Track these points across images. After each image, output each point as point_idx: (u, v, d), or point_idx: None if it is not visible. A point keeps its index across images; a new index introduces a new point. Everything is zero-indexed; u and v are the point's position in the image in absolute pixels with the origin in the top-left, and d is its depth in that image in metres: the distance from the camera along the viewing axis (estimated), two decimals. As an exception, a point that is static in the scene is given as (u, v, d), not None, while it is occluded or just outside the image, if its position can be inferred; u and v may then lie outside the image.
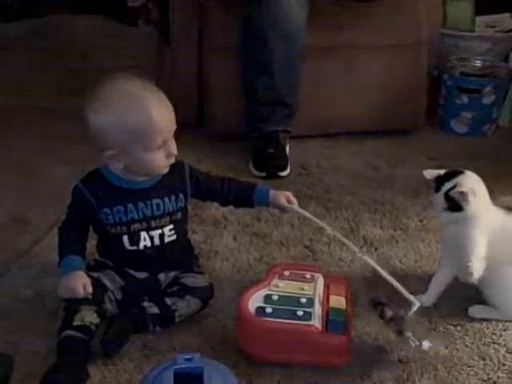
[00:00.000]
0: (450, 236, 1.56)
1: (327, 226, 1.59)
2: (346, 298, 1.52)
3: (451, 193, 1.50)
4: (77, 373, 1.34)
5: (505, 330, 1.54)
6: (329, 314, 1.45)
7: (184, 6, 2.47)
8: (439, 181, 1.55)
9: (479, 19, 2.90)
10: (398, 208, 2.06)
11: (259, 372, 1.39)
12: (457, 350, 1.47)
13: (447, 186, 1.52)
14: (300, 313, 1.40)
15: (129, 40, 3.51)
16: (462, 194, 1.49)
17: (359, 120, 2.51)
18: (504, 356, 1.46)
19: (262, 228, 1.93)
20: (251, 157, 2.30)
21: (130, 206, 1.48)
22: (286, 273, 1.54)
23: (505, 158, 2.42)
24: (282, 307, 1.42)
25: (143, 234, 1.50)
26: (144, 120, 1.40)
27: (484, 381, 1.39)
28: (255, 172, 2.24)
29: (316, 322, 1.40)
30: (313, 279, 1.52)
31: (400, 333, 1.41)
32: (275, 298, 1.45)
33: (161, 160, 1.46)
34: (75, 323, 1.40)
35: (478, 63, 2.71)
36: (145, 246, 1.51)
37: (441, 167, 2.28)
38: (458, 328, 1.54)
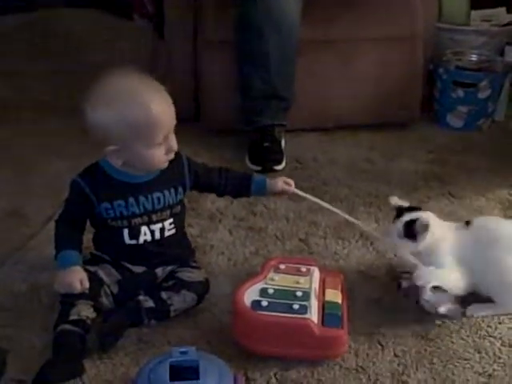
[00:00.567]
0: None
1: (324, 203, 1.67)
2: (341, 291, 1.53)
3: (418, 221, 1.53)
4: (73, 367, 1.35)
5: (500, 324, 1.54)
6: (324, 308, 1.45)
7: (179, 0, 2.46)
8: (399, 211, 1.58)
9: (475, 13, 2.89)
10: (394, 202, 2.06)
11: (255, 365, 1.39)
12: (452, 343, 1.48)
13: (408, 216, 1.55)
14: (296, 306, 1.40)
15: (123, 34, 3.48)
16: (422, 224, 1.52)
17: (355, 113, 2.50)
18: (499, 349, 1.47)
19: (258, 222, 1.93)
20: (247, 151, 2.29)
21: (131, 199, 1.48)
22: (282, 266, 1.54)
23: (500, 152, 2.42)
24: (277, 301, 1.42)
25: (144, 229, 1.50)
26: (146, 116, 1.40)
27: (479, 374, 1.40)
28: (251, 166, 2.24)
29: (312, 316, 1.40)
30: (308, 273, 1.53)
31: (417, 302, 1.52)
32: (271, 291, 1.45)
33: (161, 156, 1.46)
34: (72, 317, 1.40)
35: (474, 57, 2.70)
36: (145, 241, 1.51)
37: (437, 161, 2.32)
38: (454, 321, 1.54)
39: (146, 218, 1.50)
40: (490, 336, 1.50)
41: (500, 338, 1.50)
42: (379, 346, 1.47)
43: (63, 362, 1.34)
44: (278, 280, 1.49)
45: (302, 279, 1.50)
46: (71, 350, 1.36)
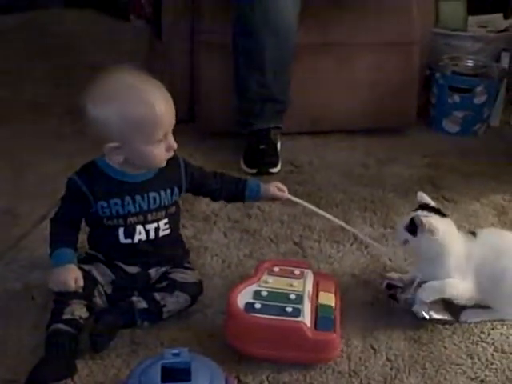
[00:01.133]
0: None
1: (317, 209, 1.68)
2: (335, 294, 1.53)
3: (416, 216, 1.53)
4: (65, 367, 1.34)
5: (493, 329, 1.54)
6: (318, 311, 1.45)
7: (176, 1, 2.46)
8: (422, 207, 1.58)
9: (471, 19, 2.90)
10: (389, 206, 2.06)
11: (247, 368, 1.38)
12: (445, 349, 1.48)
13: (422, 213, 1.55)
14: (289, 309, 1.40)
15: (121, 35, 3.49)
16: (422, 222, 1.51)
17: (350, 118, 2.51)
18: (492, 355, 1.47)
19: (252, 224, 1.93)
20: (242, 153, 2.29)
21: (128, 198, 1.48)
22: (276, 269, 1.54)
23: (495, 158, 2.43)
24: (271, 303, 1.42)
25: (139, 228, 1.50)
26: (148, 113, 1.40)
27: (472, 379, 1.40)
28: (246, 169, 2.24)
29: (305, 319, 1.39)
30: (302, 275, 1.52)
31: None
32: (264, 293, 1.44)
33: (161, 153, 1.46)
34: (65, 317, 1.39)
35: (470, 63, 2.71)
36: (139, 240, 1.51)
37: (432, 166, 2.32)
38: (447, 326, 1.54)
39: (141, 218, 1.50)
40: (483, 341, 1.50)
41: (493, 344, 1.50)
42: (372, 350, 1.46)
43: (55, 361, 1.33)
44: (271, 282, 1.49)
45: (295, 282, 1.49)
46: (64, 349, 1.35)
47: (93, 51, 3.23)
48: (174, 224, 1.56)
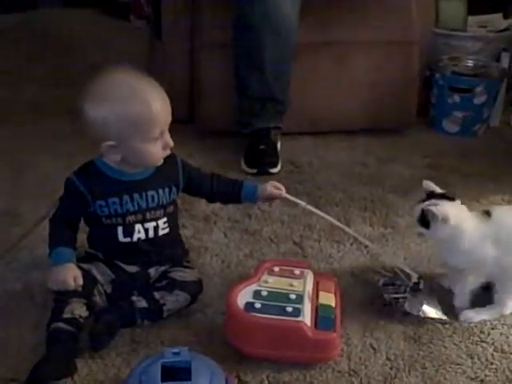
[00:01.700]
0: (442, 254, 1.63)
1: (315, 209, 1.67)
2: (335, 294, 1.53)
3: (426, 208, 1.53)
4: (65, 365, 1.34)
5: (493, 329, 1.54)
6: (318, 311, 1.45)
7: (176, 1, 2.46)
8: (430, 196, 1.58)
9: (471, 19, 2.90)
10: (389, 206, 2.06)
11: (247, 367, 1.38)
12: (445, 348, 1.48)
13: (427, 204, 1.55)
14: (289, 309, 1.40)
15: (120, 34, 3.50)
16: (434, 214, 1.52)
17: (351, 117, 2.51)
18: (492, 355, 1.47)
19: (252, 224, 1.93)
20: (242, 153, 2.29)
21: (126, 197, 1.48)
22: (276, 269, 1.54)
23: (495, 158, 2.43)
24: (271, 303, 1.42)
25: (138, 227, 1.50)
26: (144, 111, 1.41)
27: (472, 379, 1.39)
28: (246, 168, 2.24)
29: (305, 319, 1.39)
30: (302, 275, 1.52)
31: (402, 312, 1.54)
32: (264, 293, 1.44)
33: (158, 151, 1.46)
34: (65, 315, 1.39)
35: (470, 63, 2.71)
36: (138, 239, 1.51)
37: (432, 166, 2.32)
38: (447, 326, 1.54)
39: (140, 216, 1.50)
40: (483, 341, 1.50)
41: (492, 344, 1.50)
42: (372, 350, 1.46)
43: (56, 360, 1.33)
44: (271, 282, 1.49)
45: (295, 282, 1.50)
46: (64, 348, 1.35)
47: (93, 51, 3.23)
48: (172, 223, 1.56)
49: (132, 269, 1.53)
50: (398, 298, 1.56)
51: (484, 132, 2.67)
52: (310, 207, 1.67)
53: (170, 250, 1.57)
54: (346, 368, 1.41)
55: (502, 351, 1.48)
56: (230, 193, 1.64)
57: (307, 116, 2.48)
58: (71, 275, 1.41)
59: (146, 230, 1.51)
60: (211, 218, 1.95)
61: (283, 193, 1.65)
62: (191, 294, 1.52)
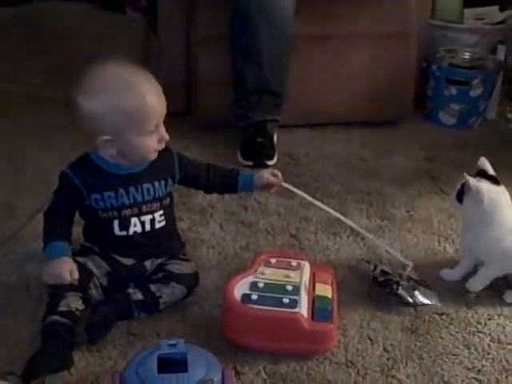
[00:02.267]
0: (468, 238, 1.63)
1: (312, 198, 1.66)
2: (331, 286, 1.53)
3: (466, 179, 1.53)
4: (61, 359, 1.33)
5: (490, 320, 1.54)
6: (315, 302, 1.45)
7: (172, -6, 2.45)
8: (479, 174, 1.59)
9: (468, 11, 2.90)
10: (385, 198, 2.06)
11: (244, 359, 1.38)
12: (442, 339, 1.48)
13: (474, 180, 1.55)
14: (286, 300, 1.40)
15: (116, 27, 3.48)
16: (469, 185, 1.51)
17: (347, 110, 2.51)
18: (488, 345, 1.47)
19: (249, 216, 1.93)
20: (239, 146, 2.29)
21: (121, 190, 1.48)
22: (272, 260, 1.54)
23: (491, 150, 2.42)
24: (267, 294, 1.42)
25: (134, 220, 1.50)
26: (139, 104, 1.40)
27: (468, 369, 1.40)
28: (242, 161, 2.24)
29: (302, 310, 1.39)
30: (299, 267, 1.52)
31: (391, 293, 1.55)
32: (261, 285, 1.44)
33: (153, 144, 1.46)
34: (61, 309, 1.39)
35: (467, 55, 2.71)
36: (134, 232, 1.51)
37: (429, 158, 2.32)
38: (444, 317, 1.54)
39: (136, 210, 1.49)
40: (480, 332, 1.50)
41: (489, 334, 1.50)
42: (369, 341, 1.46)
43: (52, 353, 1.33)
44: (268, 274, 1.49)
45: (292, 273, 1.49)
46: (60, 341, 1.35)
47: (89, 44, 3.22)
48: (169, 215, 1.56)
49: (128, 261, 1.52)
50: (391, 284, 1.57)
51: (480, 124, 2.67)
52: (307, 196, 1.66)
53: (167, 242, 1.57)
54: (343, 359, 1.41)
55: (499, 341, 1.48)
56: (226, 182, 1.64)
57: (304, 108, 2.48)
58: (67, 269, 1.40)
59: (143, 223, 1.51)
60: (207, 210, 1.95)
61: (280, 180, 1.64)
62: (187, 286, 1.52)
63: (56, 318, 1.38)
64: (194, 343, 1.29)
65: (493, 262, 1.59)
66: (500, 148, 2.44)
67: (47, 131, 2.37)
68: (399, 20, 2.46)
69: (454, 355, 1.43)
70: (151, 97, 1.42)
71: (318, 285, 1.51)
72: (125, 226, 1.50)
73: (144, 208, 1.50)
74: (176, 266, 1.53)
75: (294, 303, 1.40)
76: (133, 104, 1.40)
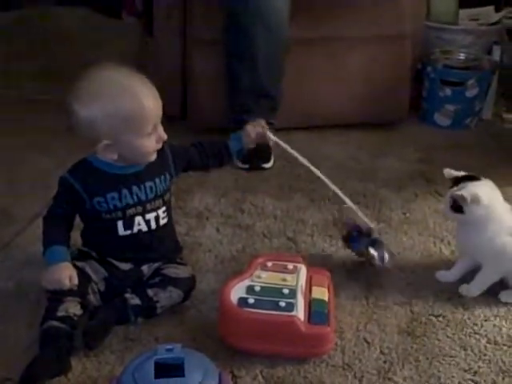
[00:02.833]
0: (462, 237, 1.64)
1: (303, 158, 1.76)
2: (328, 289, 1.53)
3: (454, 193, 1.55)
4: (59, 364, 1.34)
5: (486, 321, 1.55)
6: (311, 305, 1.45)
7: (168, -2, 2.46)
8: (456, 181, 1.60)
9: (463, 12, 2.90)
10: (382, 200, 2.07)
11: (241, 363, 1.39)
12: (438, 341, 1.48)
13: (458, 187, 1.57)
14: (282, 304, 1.40)
15: (112, 32, 3.48)
16: (463, 197, 1.53)
17: (343, 112, 2.51)
18: (485, 346, 1.47)
19: (245, 219, 1.93)
20: (235, 149, 2.29)
21: (125, 191, 1.48)
22: (269, 264, 1.54)
23: (487, 151, 2.44)
24: (264, 298, 1.42)
25: (138, 219, 1.50)
26: (136, 107, 1.41)
27: (465, 371, 1.40)
28: (239, 164, 2.24)
29: (298, 313, 1.40)
30: (295, 270, 1.52)
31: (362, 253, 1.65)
32: (257, 288, 1.44)
33: (152, 145, 1.47)
34: (59, 314, 1.39)
35: (462, 56, 2.72)
36: (139, 230, 1.51)
37: (424, 160, 2.33)
38: (440, 318, 1.55)
39: (140, 208, 1.50)
40: (476, 333, 1.51)
41: (485, 336, 1.50)
42: (365, 344, 1.47)
43: (51, 358, 1.33)
44: (264, 277, 1.49)
45: (288, 277, 1.50)
46: (58, 346, 1.35)
47: (85, 48, 3.22)
48: (169, 210, 1.57)
49: (125, 266, 1.53)
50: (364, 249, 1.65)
51: (476, 125, 2.68)
52: (293, 151, 1.73)
53: (169, 241, 1.58)
54: (339, 362, 1.41)
55: (495, 343, 1.48)
56: (218, 154, 1.66)
57: (301, 111, 2.48)
58: (66, 274, 1.40)
59: (148, 222, 1.52)
60: (204, 213, 1.95)
61: (266, 130, 1.70)
62: (184, 290, 1.52)
63: (54, 323, 1.38)
64: (192, 347, 1.30)
65: (487, 262, 1.59)
66: (496, 148, 2.45)
67: (42, 136, 2.37)
68: (395, 22, 2.46)
69: (451, 357, 1.44)
70: (147, 99, 1.42)
71: (314, 288, 1.51)
72: (129, 225, 1.50)
73: (148, 206, 1.51)
74: (173, 270, 1.54)
75: (290, 306, 1.40)
76: (129, 107, 1.40)
